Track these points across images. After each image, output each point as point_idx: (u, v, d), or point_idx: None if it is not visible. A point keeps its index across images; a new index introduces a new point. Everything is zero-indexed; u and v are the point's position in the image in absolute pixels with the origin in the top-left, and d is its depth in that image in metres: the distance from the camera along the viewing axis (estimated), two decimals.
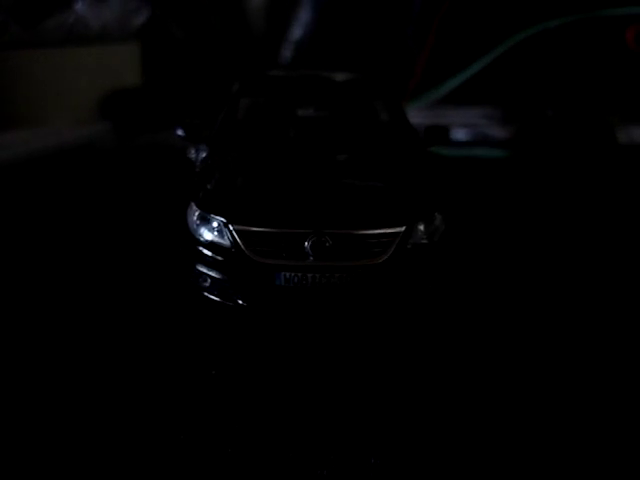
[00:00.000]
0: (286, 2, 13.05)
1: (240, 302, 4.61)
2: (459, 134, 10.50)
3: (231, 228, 4.56)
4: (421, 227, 4.68)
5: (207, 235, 4.67)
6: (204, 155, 5.69)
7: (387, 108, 6.10)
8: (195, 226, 4.75)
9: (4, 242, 6.50)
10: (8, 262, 6.02)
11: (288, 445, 3.61)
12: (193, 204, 4.83)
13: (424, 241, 4.68)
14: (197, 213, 4.75)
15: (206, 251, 4.67)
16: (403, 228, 4.59)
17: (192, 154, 5.98)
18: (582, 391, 4.14)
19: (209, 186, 4.97)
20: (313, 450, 3.57)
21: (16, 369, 4.32)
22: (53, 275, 5.71)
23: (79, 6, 11.40)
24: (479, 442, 3.66)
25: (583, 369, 4.40)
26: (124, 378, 4.21)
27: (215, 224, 4.64)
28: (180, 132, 5.74)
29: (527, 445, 3.63)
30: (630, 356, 4.56)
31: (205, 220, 4.69)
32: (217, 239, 4.63)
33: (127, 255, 6.15)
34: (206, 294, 4.74)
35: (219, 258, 4.62)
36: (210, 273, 4.66)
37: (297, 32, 12.82)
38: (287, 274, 4.46)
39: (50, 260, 6.04)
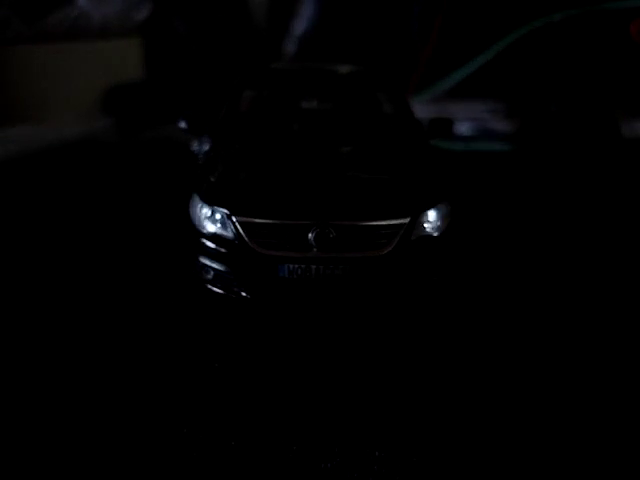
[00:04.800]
0: None
1: (243, 294, 4.59)
2: (463, 128, 10.47)
3: (234, 220, 4.54)
4: (425, 219, 4.65)
5: (210, 227, 4.65)
6: (207, 147, 5.67)
7: (391, 100, 6.07)
8: (198, 218, 4.73)
9: (7, 236, 6.49)
10: (11, 254, 6.01)
11: (292, 438, 3.60)
12: (196, 196, 4.81)
13: (428, 233, 4.66)
14: (200, 205, 4.73)
15: (209, 243, 4.65)
16: (407, 220, 4.56)
17: (195, 147, 5.96)
18: (582, 388, 4.12)
19: (212, 178, 4.95)
20: (317, 443, 3.56)
21: (18, 359, 4.31)
22: (56, 268, 5.70)
23: (81, 1, 11.37)
24: (481, 435, 3.64)
25: (584, 364, 4.38)
26: (126, 370, 4.20)
27: (218, 216, 4.62)
28: (183, 125, 5.73)
29: (527, 441, 3.62)
30: (630, 351, 4.54)
31: (208, 212, 4.67)
32: (220, 231, 4.61)
33: (131, 248, 6.13)
34: (209, 286, 4.72)
35: (222, 250, 4.60)
36: (213, 265, 4.65)
37: (300, 26, 12.78)
38: (291, 266, 4.45)
39: (53, 254, 6.03)
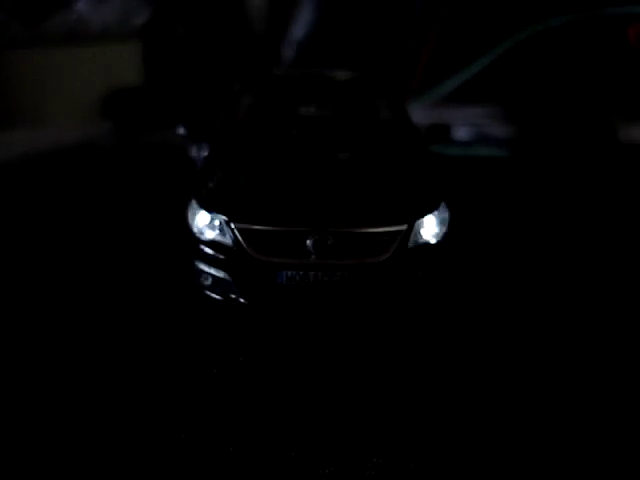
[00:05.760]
0: (288, 1, 13.04)
1: (242, 300, 4.61)
2: (461, 133, 10.48)
3: (233, 226, 4.56)
4: (423, 225, 4.67)
5: (209, 233, 4.67)
6: (206, 153, 5.68)
7: (389, 107, 6.09)
8: (196, 224, 4.74)
9: (4, 242, 6.49)
10: (10, 259, 6.02)
11: (290, 444, 3.60)
12: (195, 202, 4.82)
13: (426, 240, 4.67)
14: (199, 211, 4.75)
15: (208, 249, 4.66)
16: (405, 226, 4.58)
17: (194, 152, 5.98)
18: (582, 391, 4.13)
19: (211, 184, 4.96)
20: (315, 449, 3.56)
21: (17, 366, 4.31)
22: (54, 274, 5.70)
23: (80, 5, 11.38)
24: (480, 440, 3.65)
25: (583, 369, 4.39)
26: (125, 377, 4.20)
27: (217, 222, 4.64)
28: (182, 131, 5.74)
29: (527, 444, 3.63)
30: (630, 354, 4.55)
31: (207, 218, 4.69)
32: (219, 237, 4.62)
33: (129, 254, 6.14)
34: (207, 292, 4.74)
35: (221, 256, 4.61)
36: (211, 271, 4.66)
37: (299, 31, 12.80)
38: (289, 272, 4.46)
39: (51, 259, 6.03)
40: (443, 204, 4.87)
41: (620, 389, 4.15)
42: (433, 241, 4.69)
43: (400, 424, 3.78)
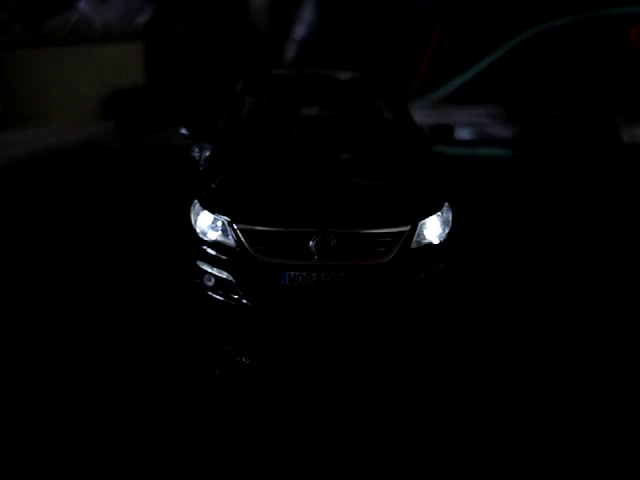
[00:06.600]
0: (289, 1, 13.04)
1: (244, 301, 4.60)
2: (463, 133, 10.48)
3: (235, 227, 4.55)
4: (426, 226, 4.66)
5: (211, 234, 4.66)
6: (208, 154, 5.67)
7: (391, 107, 6.08)
8: (199, 225, 4.73)
9: (5, 242, 6.49)
10: (10, 261, 6.01)
11: (292, 445, 3.60)
12: (197, 203, 4.82)
13: (429, 240, 4.66)
14: (201, 212, 4.74)
15: (210, 250, 4.66)
16: (408, 227, 4.57)
17: (196, 153, 5.97)
18: (582, 392, 4.12)
19: (213, 185, 4.96)
20: (317, 450, 3.56)
21: (16, 368, 4.31)
22: (55, 274, 5.69)
23: (82, 5, 11.38)
24: (481, 441, 3.64)
25: (583, 370, 4.39)
26: (126, 378, 4.20)
27: (219, 223, 4.63)
28: (184, 131, 5.72)
29: (527, 445, 3.62)
30: (630, 357, 4.54)
31: (209, 219, 4.68)
32: (221, 238, 4.62)
33: (131, 255, 6.13)
34: (210, 293, 4.73)
35: (223, 257, 4.61)
36: (214, 272, 4.65)
37: (300, 31, 12.81)
38: (292, 273, 4.45)
39: (53, 259, 6.03)
40: (446, 205, 4.86)
41: (620, 390, 4.15)
42: (436, 242, 4.68)
43: (403, 424, 3.78)
